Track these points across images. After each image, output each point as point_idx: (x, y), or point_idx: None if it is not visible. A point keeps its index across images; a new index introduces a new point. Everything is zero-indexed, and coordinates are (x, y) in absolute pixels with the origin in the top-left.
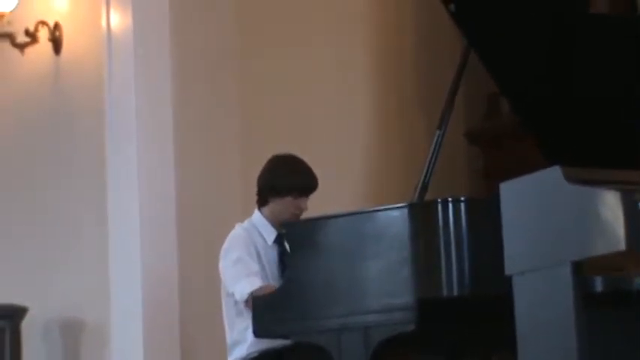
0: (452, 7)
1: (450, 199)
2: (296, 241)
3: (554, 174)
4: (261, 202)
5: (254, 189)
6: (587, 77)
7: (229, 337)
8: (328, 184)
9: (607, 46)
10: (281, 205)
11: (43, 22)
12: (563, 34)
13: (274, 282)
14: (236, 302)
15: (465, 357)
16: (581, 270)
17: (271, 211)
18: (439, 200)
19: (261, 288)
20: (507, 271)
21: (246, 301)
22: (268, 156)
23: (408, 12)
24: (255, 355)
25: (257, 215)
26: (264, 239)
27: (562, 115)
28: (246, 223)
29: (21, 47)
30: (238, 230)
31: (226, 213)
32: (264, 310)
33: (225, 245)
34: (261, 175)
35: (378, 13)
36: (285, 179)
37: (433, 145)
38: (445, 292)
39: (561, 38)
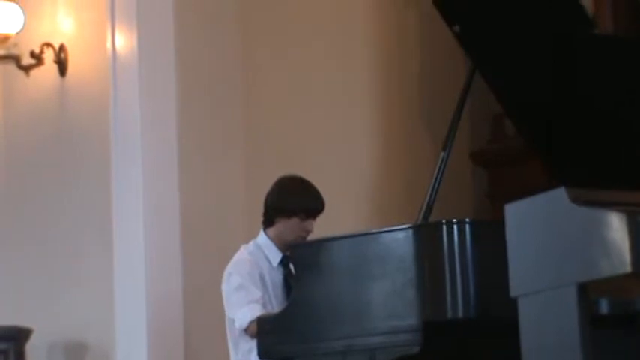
0: (456, 28)
1: (454, 221)
2: (301, 263)
3: (559, 195)
4: (268, 223)
5: (258, 209)
6: (593, 98)
7: (233, 358)
8: (331, 203)
9: (613, 66)
10: (287, 227)
11: (49, 44)
12: (569, 55)
13: (278, 304)
14: None
15: None
16: (587, 292)
17: (277, 233)
18: (444, 222)
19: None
20: (512, 293)
21: (246, 330)
22: (272, 175)
23: (413, 33)
24: None
25: (262, 236)
26: (269, 261)
27: (568, 136)
28: (251, 244)
29: (26, 69)
30: (243, 253)
31: (230, 234)
32: (269, 331)
33: (229, 269)
34: (268, 196)
35: (383, 35)
36: (292, 201)
37: (438, 167)
38: (450, 314)
39: (567, 60)
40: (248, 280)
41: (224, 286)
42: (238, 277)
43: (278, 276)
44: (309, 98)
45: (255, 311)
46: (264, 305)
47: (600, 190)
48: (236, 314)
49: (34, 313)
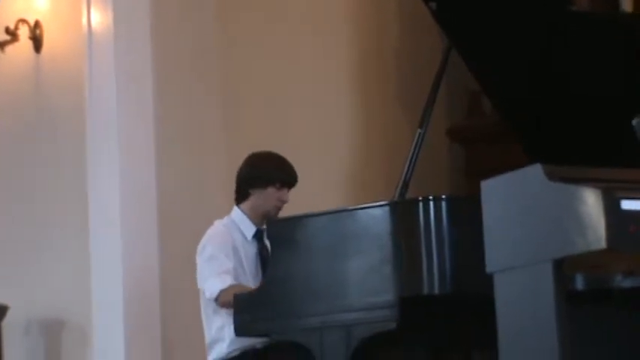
0: (433, 5)
1: (431, 198)
2: (277, 239)
3: (535, 172)
4: (241, 197)
5: (234, 188)
6: (568, 74)
7: (207, 335)
8: (309, 181)
9: (589, 43)
10: (263, 197)
11: (24, 20)
12: (545, 31)
13: (252, 278)
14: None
15: (446, 355)
16: (562, 268)
17: (252, 205)
18: (420, 198)
19: (231, 286)
20: (488, 269)
21: (216, 299)
22: (249, 151)
23: (391, 9)
24: (237, 353)
25: (236, 211)
26: (243, 235)
27: (544, 113)
28: (225, 219)
29: (1, 45)
30: (217, 226)
31: (208, 211)
32: (245, 308)
33: (202, 241)
34: (240, 170)
35: (361, 11)
36: (267, 170)
37: (414, 144)
38: (426, 290)
39: (543, 36)
40: (221, 252)
41: (197, 258)
42: (210, 248)
43: (252, 250)
44: (287, 77)
45: (226, 281)
46: (236, 277)
47: (576, 167)
48: (205, 284)
49: (10, 290)
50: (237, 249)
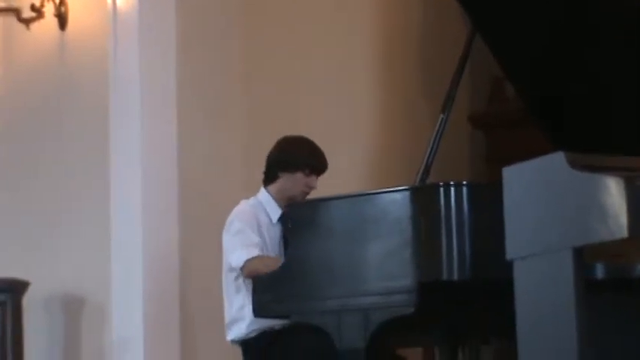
0: None
1: (452, 183)
2: (298, 222)
3: (557, 159)
4: (270, 179)
5: (256, 168)
6: (594, 61)
7: (227, 314)
8: (330, 165)
9: (617, 29)
10: (291, 181)
11: None
12: (570, 17)
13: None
14: (235, 279)
15: (463, 341)
16: (583, 256)
17: (279, 188)
18: (441, 184)
19: (258, 257)
20: (508, 256)
21: (242, 269)
22: (271, 137)
23: None
24: (255, 334)
25: (263, 192)
26: (269, 217)
27: (568, 100)
28: (252, 199)
29: (27, 22)
30: (243, 205)
31: (228, 186)
32: (265, 289)
33: (230, 218)
34: (272, 152)
35: None
36: (298, 155)
37: (436, 129)
38: (445, 276)
39: (569, 22)
40: (248, 227)
41: (224, 234)
42: (238, 223)
43: (277, 232)
44: (310, 61)
45: (252, 252)
46: (261, 251)
47: (598, 155)
48: (232, 255)
49: (32, 266)
50: (262, 230)
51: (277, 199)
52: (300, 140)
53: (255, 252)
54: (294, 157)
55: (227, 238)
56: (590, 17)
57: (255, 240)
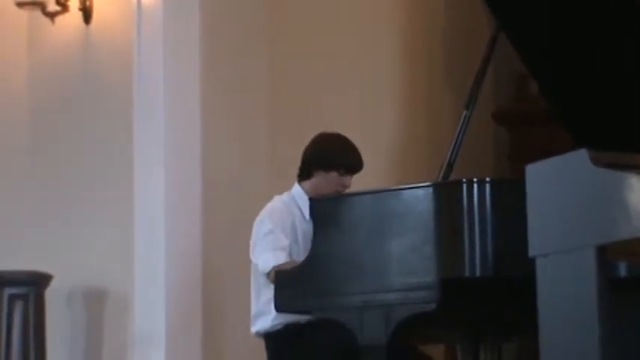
0: None
1: (475, 180)
2: (321, 217)
3: (580, 157)
4: (304, 176)
5: (281, 160)
6: (617, 61)
7: (254, 307)
8: None
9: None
10: (325, 180)
11: None
12: (594, 16)
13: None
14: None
15: (485, 338)
16: (606, 254)
17: (313, 185)
18: (464, 180)
19: (285, 263)
20: (531, 253)
21: (268, 274)
22: (294, 132)
23: None
24: (280, 327)
25: (297, 188)
26: (301, 212)
27: (591, 99)
28: (285, 195)
29: (51, 16)
30: (276, 203)
31: (252, 185)
32: (287, 284)
33: (260, 216)
34: (308, 148)
35: None
36: (334, 154)
37: (460, 125)
38: (467, 273)
39: (593, 21)
40: (279, 227)
41: (254, 232)
42: (269, 223)
43: (309, 228)
44: (334, 56)
45: (280, 258)
46: (290, 255)
47: (621, 153)
48: (259, 259)
49: (55, 259)
50: (295, 226)
51: (310, 196)
52: (336, 138)
53: (282, 257)
54: (329, 155)
55: (256, 236)
56: (616, 15)
57: (284, 243)
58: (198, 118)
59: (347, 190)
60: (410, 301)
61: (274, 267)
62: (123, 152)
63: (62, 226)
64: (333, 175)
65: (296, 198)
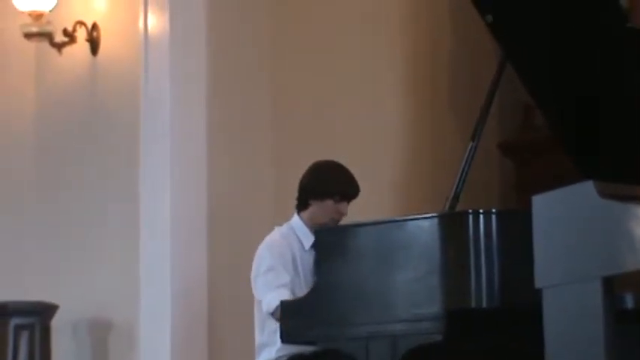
0: (489, 17)
1: (481, 211)
2: (326, 248)
3: (586, 188)
4: (302, 206)
5: (285, 191)
6: (622, 93)
7: (258, 338)
8: None
9: None
10: (321, 208)
11: (82, 23)
12: (601, 48)
13: (308, 288)
14: None
15: None
16: (612, 286)
17: (310, 215)
18: (470, 211)
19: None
20: (537, 284)
21: (273, 313)
22: (299, 159)
23: (444, 19)
24: (284, 359)
25: (296, 219)
26: (301, 244)
27: (597, 130)
28: (284, 227)
29: (59, 47)
30: (276, 235)
31: (257, 213)
32: (292, 314)
33: (260, 251)
34: (303, 178)
35: (413, 19)
36: (327, 182)
37: (466, 156)
38: (474, 304)
39: (599, 53)
40: (279, 263)
41: (254, 266)
42: (269, 259)
43: (310, 259)
44: (339, 83)
45: (283, 296)
46: (292, 290)
47: (627, 184)
48: (264, 297)
49: (60, 289)
50: (295, 259)
51: (309, 226)
52: (330, 166)
53: (285, 295)
54: (324, 183)
55: (257, 271)
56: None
57: (285, 280)
58: (204, 149)
59: (343, 218)
60: (416, 331)
61: (278, 306)
62: (129, 183)
63: (68, 256)
64: (329, 203)
65: (295, 229)
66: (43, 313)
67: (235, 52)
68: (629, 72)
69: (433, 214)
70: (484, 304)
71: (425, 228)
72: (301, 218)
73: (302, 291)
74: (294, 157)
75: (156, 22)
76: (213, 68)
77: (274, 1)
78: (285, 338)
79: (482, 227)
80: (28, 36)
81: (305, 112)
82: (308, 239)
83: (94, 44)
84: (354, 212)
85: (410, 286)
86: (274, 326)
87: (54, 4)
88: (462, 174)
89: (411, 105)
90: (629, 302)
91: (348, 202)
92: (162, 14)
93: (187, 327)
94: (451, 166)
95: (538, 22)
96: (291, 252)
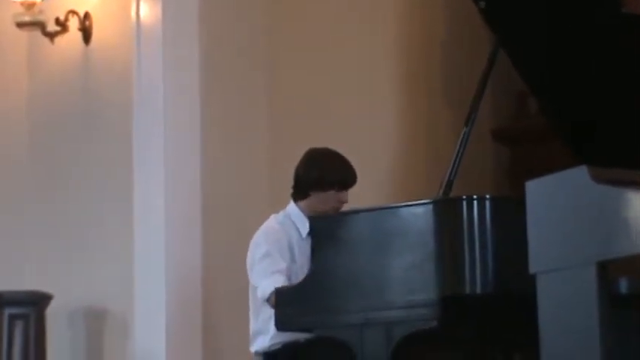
0: (482, 4)
1: (475, 197)
2: (321, 235)
3: (580, 174)
4: (300, 195)
5: (280, 182)
6: (617, 78)
7: (253, 325)
8: None
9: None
10: (323, 199)
11: (74, 12)
12: (594, 34)
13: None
14: None
15: (487, 355)
16: (606, 271)
17: (310, 204)
18: (464, 197)
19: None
20: (531, 270)
21: (268, 299)
22: (294, 150)
23: (438, 8)
24: (278, 347)
25: (292, 207)
26: (298, 232)
27: (591, 115)
28: (280, 214)
29: (51, 36)
30: (272, 223)
31: (251, 205)
32: (287, 302)
33: (256, 237)
34: (300, 167)
35: (407, 9)
36: (329, 172)
37: (459, 142)
38: (468, 290)
39: (592, 39)
40: (275, 250)
41: (250, 254)
42: (265, 245)
43: (307, 247)
44: (334, 72)
45: (278, 282)
46: (289, 277)
47: (622, 169)
48: (259, 283)
49: (55, 279)
50: (292, 247)
51: (307, 214)
52: (328, 155)
53: (280, 281)
54: (325, 175)
55: (253, 258)
56: (616, 31)
57: (281, 266)
58: (199, 136)
59: (344, 206)
60: (411, 318)
61: (273, 292)
62: (122, 172)
63: (62, 246)
64: (331, 193)
65: (292, 217)
66: (38, 302)
67: (229, 37)
68: (624, 57)
69: (427, 201)
70: (478, 290)
71: (419, 214)
72: (298, 206)
73: (298, 278)
74: (289, 147)
75: (148, 10)
76: (206, 54)
77: None
78: (280, 326)
79: (477, 213)
80: (21, 25)
81: (300, 104)
82: (305, 227)
83: (86, 33)
84: (351, 203)
85: (404, 273)
86: (269, 313)
87: None
88: (456, 159)
89: (406, 97)
90: (624, 287)
91: (348, 190)
92: (155, 3)
93: (182, 316)
94: (446, 156)
95: (531, 7)
96: (287, 239)
